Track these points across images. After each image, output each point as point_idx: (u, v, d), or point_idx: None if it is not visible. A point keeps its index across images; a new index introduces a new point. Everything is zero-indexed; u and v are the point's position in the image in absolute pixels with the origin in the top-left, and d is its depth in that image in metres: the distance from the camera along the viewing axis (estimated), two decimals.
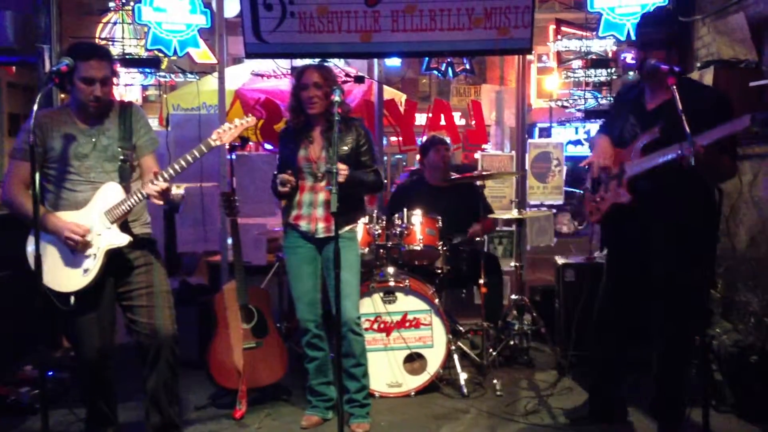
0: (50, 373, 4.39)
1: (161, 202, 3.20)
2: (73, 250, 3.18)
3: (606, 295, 3.76)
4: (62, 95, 5.52)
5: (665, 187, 3.32)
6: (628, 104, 3.61)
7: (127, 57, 5.69)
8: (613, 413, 3.82)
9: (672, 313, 3.43)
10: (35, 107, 2.89)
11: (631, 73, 6.64)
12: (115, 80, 3.33)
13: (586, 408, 3.89)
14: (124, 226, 3.26)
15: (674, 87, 2.92)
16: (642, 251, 3.48)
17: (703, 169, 2.96)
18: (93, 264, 3.18)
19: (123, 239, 3.22)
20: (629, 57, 6.58)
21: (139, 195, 3.20)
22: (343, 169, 3.59)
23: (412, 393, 4.37)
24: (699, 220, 3.29)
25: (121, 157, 3.27)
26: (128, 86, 7.38)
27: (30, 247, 3.12)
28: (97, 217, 3.20)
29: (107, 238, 3.20)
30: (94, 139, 3.25)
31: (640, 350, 3.76)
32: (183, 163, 3.20)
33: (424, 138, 5.86)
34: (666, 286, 3.41)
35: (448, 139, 6.22)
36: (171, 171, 3.18)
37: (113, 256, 3.22)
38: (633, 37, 4.94)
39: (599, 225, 3.73)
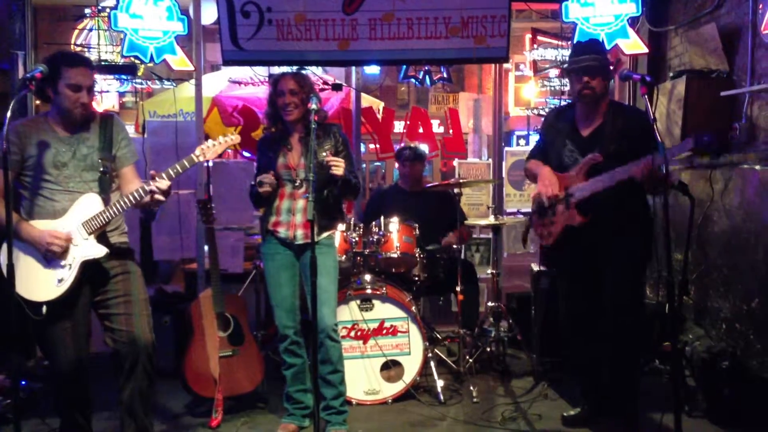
0: (23, 383, 4.34)
1: (162, 197, 3.17)
2: (49, 259, 3.15)
3: (567, 306, 3.95)
4: (37, 102, 5.47)
5: (609, 203, 3.56)
6: (563, 130, 3.83)
7: (103, 64, 5.65)
8: (608, 410, 3.88)
9: (619, 315, 3.65)
10: (9, 114, 2.88)
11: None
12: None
13: (583, 411, 3.95)
14: (101, 237, 3.24)
15: (645, 96, 3.06)
16: (592, 262, 3.72)
17: (647, 187, 3.41)
18: (68, 274, 3.15)
19: (99, 251, 3.20)
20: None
21: (118, 206, 3.18)
22: (339, 162, 3.71)
23: (389, 400, 4.37)
24: (638, 227, 3.65)
25: (101, 168, 3.26)
26: (104, 93, 7.32)
27: (3, 257, 3.08)
28: (75, 227, 3.17)
29: (84, 249, 3.17)
30: (73, 148, 3.23)
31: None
32: (165, 178, 3.19)
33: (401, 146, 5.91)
34: (612, 292, 3.67)
35: (426, 147, 6.25)
36: (153, 187, 3.16)
37: (89, 266, 3.20)
38: (607, 46, 5.02)
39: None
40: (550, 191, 3.71)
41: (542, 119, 4.65)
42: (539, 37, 6.87)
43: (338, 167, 3.70)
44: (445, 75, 6.76)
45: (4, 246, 3.02)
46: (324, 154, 3.78)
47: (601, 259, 3.68)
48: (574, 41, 5.38)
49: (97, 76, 5.57)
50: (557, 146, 3.83)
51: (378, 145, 6.42)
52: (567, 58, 6.68)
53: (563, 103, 6.96)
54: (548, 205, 3.76)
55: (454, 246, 5.00)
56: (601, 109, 3.70)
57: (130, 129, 3.58)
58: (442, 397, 4.36)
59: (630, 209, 3.62)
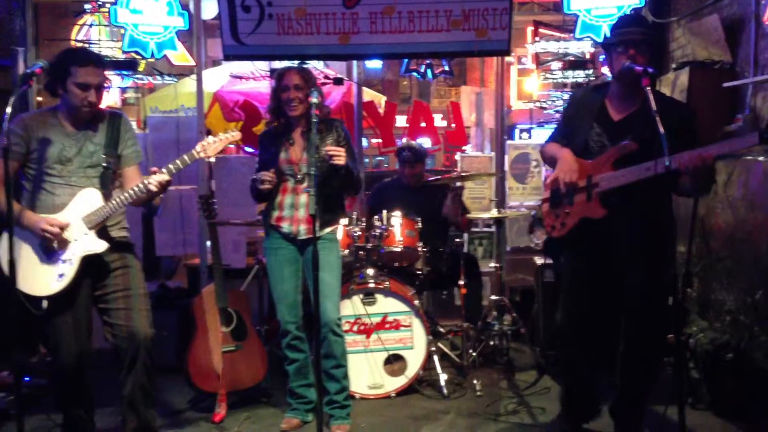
0: (27, 379, 4.36)
1: (157, 190, 3.17)
2: (49, 254, 3.15)
3: (569, 302, 3.61)
4: (39, 98, 5.47)
5: (635, 198, 3.24)
6: (591, 112, 3.43)
7: (103, 59, 5.63)
8: (591, 413, 3.76)
9: (645, 318, 3.37)
10: (9, 110, 2.88)
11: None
12: (105, 86, 3.34)
13: (567, 414, 3.79)
14: (102, 231, 3.24)
15: (648, 89, 2.92)
16: (610, 261, 3.38)
17: (693, 182, 3.01)
18: (68, 269, 3.16)
19: (100, 246, 3.20)
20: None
21: (118, 201, 3.20)
22: (340, 152, 3.69)
23: (393, 394, 4.37)
24: (664, 228, 3.26)
25: (104, 164, 3.27)
26: (106, 89, 7.31)
27: (4, 252, 3.09)
28: (75, 222, 3.18)
29: (84, 244, 3.18)
30: (80, 144, 3.24)
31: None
32: (165, 173, 3.19)
33: (403, 140, 5.90)
34: (640, 293, 3.35)
35: (428, 141, 6.23)
36: (152, 179, 3.16)
37: (89, 261, 3.20)
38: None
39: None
40: (569, 178, 3.35)
41: (544, 111, 4.58)
42: (541, 30, 6.85)
43: (339, 157, 3.69)
44: (446, 68, 6.73)
45: (5, 241, 3.02)
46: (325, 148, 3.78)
47: (624, 260, 3.35)
48: (577, 34, 5.36)
49: None
50: (583, 129, 3.42)
51: (380, 140, 6.40)
52: (569, 51, 6.73)
53: (566, 93, 6.93)
54: (565, 193, 3.41)
55: (457, 229, 4.98)
56: (640, 94, 3.15)
57: (132, 124, 3.59)
58: (445, 391, 4.36)
59: (655, 203, 3.24)
